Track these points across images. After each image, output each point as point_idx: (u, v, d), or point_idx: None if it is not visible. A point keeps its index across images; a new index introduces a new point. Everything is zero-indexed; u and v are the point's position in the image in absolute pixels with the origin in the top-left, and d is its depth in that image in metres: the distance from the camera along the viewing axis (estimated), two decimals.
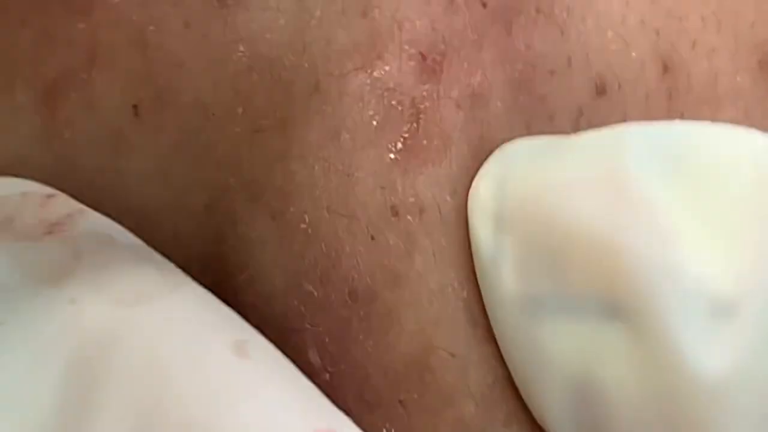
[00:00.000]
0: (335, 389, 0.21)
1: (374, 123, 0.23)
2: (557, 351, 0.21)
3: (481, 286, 0.23)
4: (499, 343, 0.22)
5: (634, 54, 0.25)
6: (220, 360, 0.18)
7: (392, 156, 0.23)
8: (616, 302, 0.21)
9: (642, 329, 0.21)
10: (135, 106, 0.23)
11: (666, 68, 0.25)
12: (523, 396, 0.22)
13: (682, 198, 0.21)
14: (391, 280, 0.23)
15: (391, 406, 0.22)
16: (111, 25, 0.23)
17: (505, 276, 0.22)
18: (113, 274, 0.20)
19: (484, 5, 0.25)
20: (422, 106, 0.24)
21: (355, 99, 0.24)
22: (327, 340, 0.22)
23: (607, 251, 0.21)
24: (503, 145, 0.24)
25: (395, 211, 0.23)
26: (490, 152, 0.24)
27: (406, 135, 0.24)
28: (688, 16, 0.26)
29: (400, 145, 0.24)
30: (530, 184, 0.22)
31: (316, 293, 0.23)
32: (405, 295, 0.23)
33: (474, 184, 0.23)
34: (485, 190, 0.23)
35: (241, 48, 0.23)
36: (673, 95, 0.25)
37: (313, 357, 0.22)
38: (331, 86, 0.24)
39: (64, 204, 0.21)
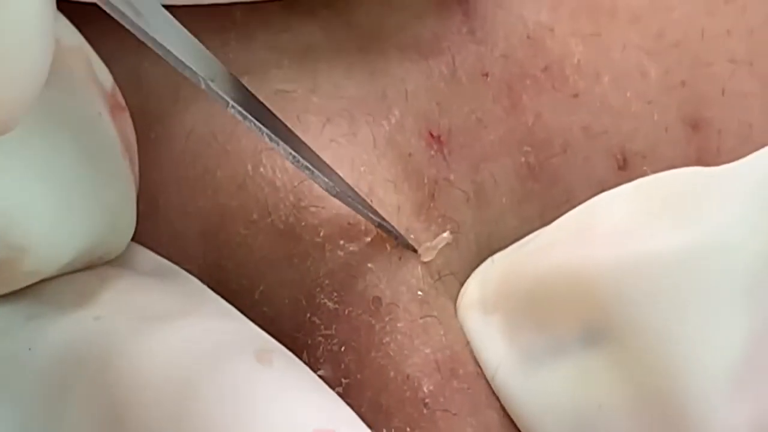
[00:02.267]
0: (350, 399, 0.20)
1: (392, 183, 0.23)
2: (551, 394, 0.21)
3: (482, 368, 0.23)
4: (507, 407, 0.22)
5: (656, 116, 0.24)
6: (243, 367, 0.19)
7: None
8: (595, 327, 0.21)
9: (623, 343, 0.20)
10: None
11: (694, 128, 0.24)
12: None
13: (643, 214, 0.21)
14: (418, 299, 0.22)
15: (414, 408, 0.21)
16: None
17: (496, 348, 0.22)
18: (138, 294, 0.21)
19: (486, 75, 0.24)
20: (435, 187, 0.23)
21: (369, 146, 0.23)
22: (343, 349, 0.22)
23: (579, 284, 0.21)
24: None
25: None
26: (499, 249, 0.24)
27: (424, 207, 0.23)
28: (715, 61, 0.25)
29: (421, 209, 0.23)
30: (509, 263, 0.23)
31: (331, 305, 0.22)
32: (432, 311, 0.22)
33: (462, 289, 0.23)
34: (472, 288, 0.23)
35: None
36: (702, 157, 0.24)
37: (326, 371, 0.22)
38: None
39: None
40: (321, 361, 0.22)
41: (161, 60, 0.19)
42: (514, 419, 0.22)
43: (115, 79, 0.22)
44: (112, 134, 0.21)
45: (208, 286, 0.22)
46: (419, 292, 0.22)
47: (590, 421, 0.20)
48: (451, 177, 0.23)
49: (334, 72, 0.24)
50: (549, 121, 0.24)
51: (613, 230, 0.21)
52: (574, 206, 0.23)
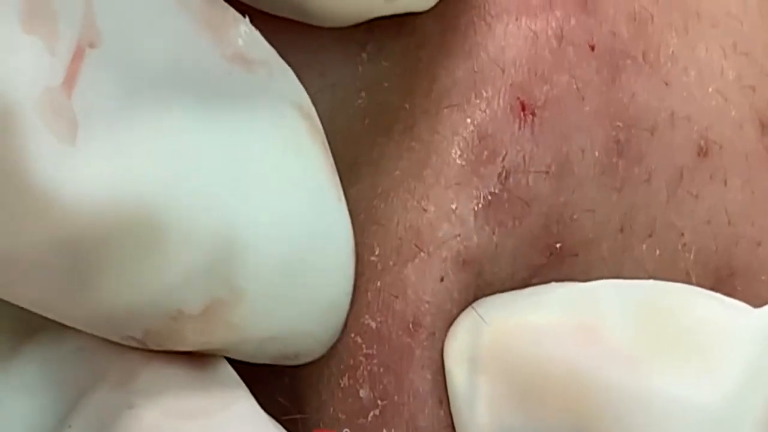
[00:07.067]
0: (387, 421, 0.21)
1: (461, 164, 0.23)
2: None
3: (456, 423, 0.23)
4: None
5: (734, 113, 0.25)
6: None
7: (474, 207, 0.23)
8: (585, 429, 0.21)
9: None
10: None
11: (764, 128, 0.25)
12: None
13: (653, 344, 0.21)
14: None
15: None
16: None
17: (478, 413, 0.22)
18: (173, 385, 0.21)
19: (593, 48, 0.24)
20: (511, 163, 0.23)
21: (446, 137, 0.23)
22: (382, 370, 0.22)
23: (577, 384, 0.21)
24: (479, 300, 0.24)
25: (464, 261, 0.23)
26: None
27: (491, 189, 0.23)
28: None
29: (482, 199, 0.23)
30: (505, 328, 0.22)
31: (374, 325, 0.22)
32: None
33: (451, 330, 0.23)
34: (461, 334, 0.23)
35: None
36: None
37: (365, 393, 0.22)
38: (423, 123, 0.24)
39: None
40: (361, 382, 0.22)
41: None
42: None
43: None
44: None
45: None
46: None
47: None
48: (534, 150, 0.23)
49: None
50: (642, 101, 0.24)
51: (619, 347, 0.21)
52: (652, 186, 0.24)
